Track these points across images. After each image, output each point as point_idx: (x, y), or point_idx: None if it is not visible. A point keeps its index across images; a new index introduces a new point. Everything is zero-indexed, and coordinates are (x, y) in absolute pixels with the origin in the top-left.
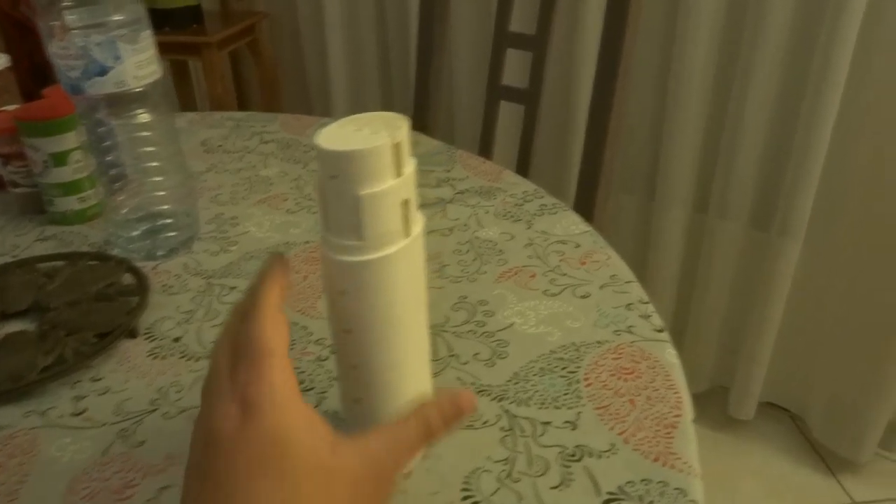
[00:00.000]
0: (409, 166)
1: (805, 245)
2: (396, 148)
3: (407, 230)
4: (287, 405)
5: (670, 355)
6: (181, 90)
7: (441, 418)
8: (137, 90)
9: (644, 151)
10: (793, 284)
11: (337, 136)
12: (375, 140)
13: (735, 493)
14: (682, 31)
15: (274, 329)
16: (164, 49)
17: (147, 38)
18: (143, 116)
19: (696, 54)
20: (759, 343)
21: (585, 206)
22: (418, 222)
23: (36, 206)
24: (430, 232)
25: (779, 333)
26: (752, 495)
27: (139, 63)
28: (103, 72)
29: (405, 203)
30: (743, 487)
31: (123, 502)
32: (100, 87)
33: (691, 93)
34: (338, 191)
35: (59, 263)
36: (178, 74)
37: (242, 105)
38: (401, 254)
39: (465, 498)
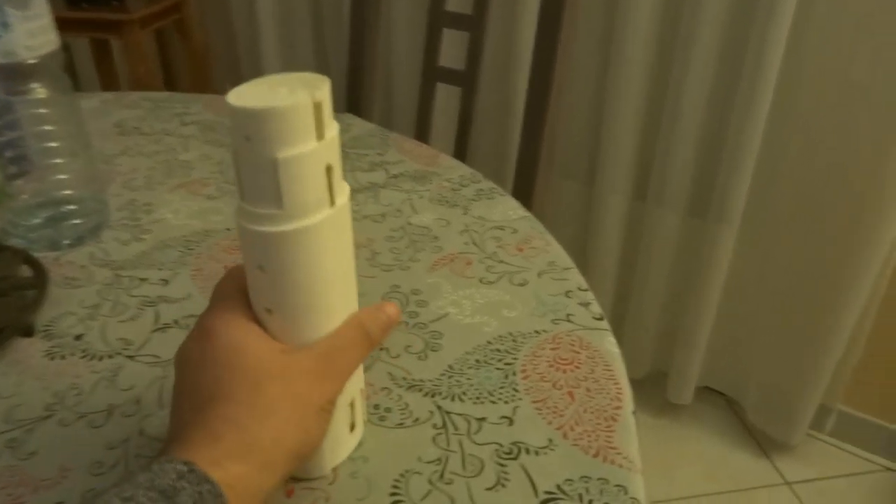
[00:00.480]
0: (333, 129)
1: (740, 232)
2: (317, 108)
3: (332, 199)
4: (238, 327)
5: (610, 344)
6: (102, 71)
7: (374, 323)
8: (31, 62)
9: (584, 138)
10: (729, 271)
11: (251, 94)
12: (293, 98)
13: (673, 478)
14: (623, 19)
15: (231, 281)
16: (81, 27)
17: (41, 4)
18: (40, 91)
19: (635, 43)
20: (697, 328)
21: (524, 192)
22: (344, 191)
23: None
24: (361, 218)
25: (715, 319)
26: (689, 479)
27: (31, 31)
28: None
29: (329, 169)
30: (680, 471)
31: None
32: None
33: (631, 81)
34: (253, 154)
35: None
36: (99, 54)
37: (170, 87)
38: (325, 224)
39: (394, 503)
